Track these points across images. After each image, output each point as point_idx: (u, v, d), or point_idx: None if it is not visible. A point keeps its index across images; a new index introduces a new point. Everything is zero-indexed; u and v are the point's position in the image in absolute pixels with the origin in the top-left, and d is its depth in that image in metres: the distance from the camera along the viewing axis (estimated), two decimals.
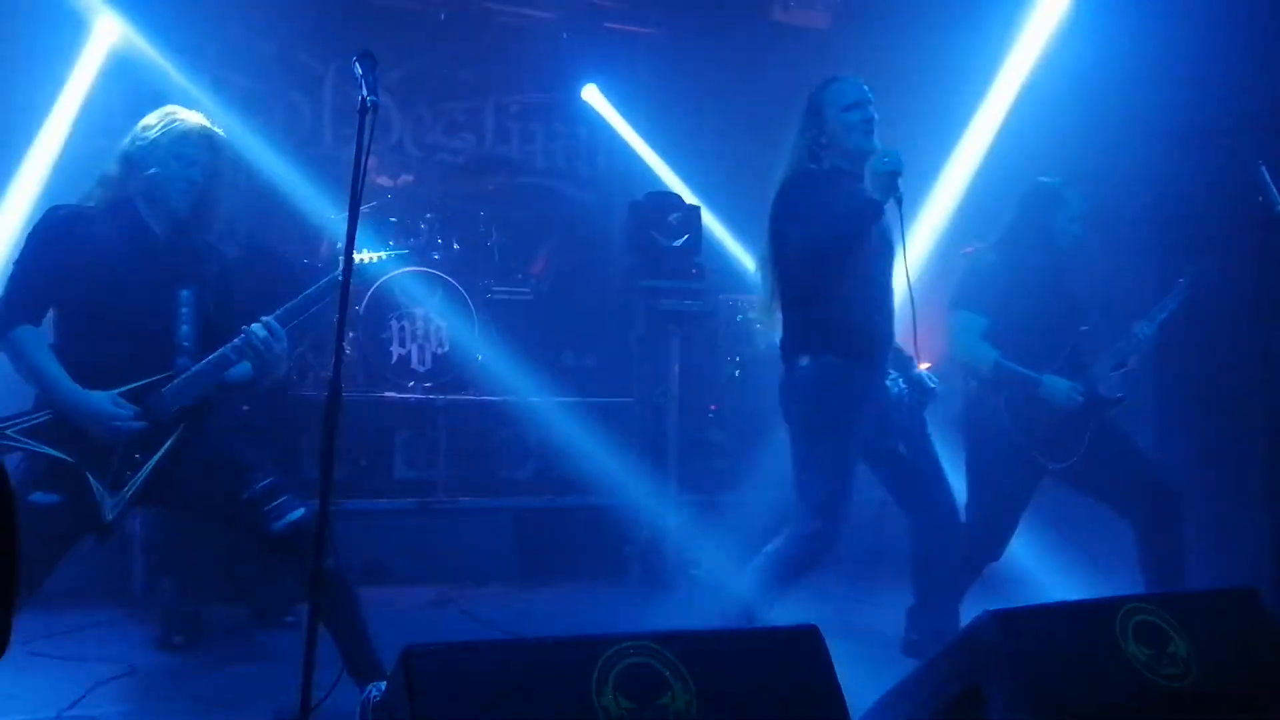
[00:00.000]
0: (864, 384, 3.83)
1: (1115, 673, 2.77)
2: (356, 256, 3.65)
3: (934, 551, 4.12)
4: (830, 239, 3.67)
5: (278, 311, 3.43)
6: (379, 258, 3.76)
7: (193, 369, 3.41)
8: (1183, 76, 5.45)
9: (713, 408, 6.95)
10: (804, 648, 2.66)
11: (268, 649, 4.44)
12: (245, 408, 4.73)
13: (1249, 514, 5.02)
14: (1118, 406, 4.51)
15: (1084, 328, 4.57)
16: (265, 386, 3.55)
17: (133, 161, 3.48)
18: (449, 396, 6.41)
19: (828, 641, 2.66)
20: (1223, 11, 5.36)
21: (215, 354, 3.42)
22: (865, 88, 3.85)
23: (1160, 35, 5.51)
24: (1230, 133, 5.24)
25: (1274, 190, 3.97)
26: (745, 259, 7.69)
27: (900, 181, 3.62)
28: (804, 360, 3.82)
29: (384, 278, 5.73)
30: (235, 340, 3.39)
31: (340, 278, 3.55)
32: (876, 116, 3.82)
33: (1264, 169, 3.92)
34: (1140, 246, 5.78)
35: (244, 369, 3.46)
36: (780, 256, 3.84)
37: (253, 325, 3.37)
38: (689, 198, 6.84)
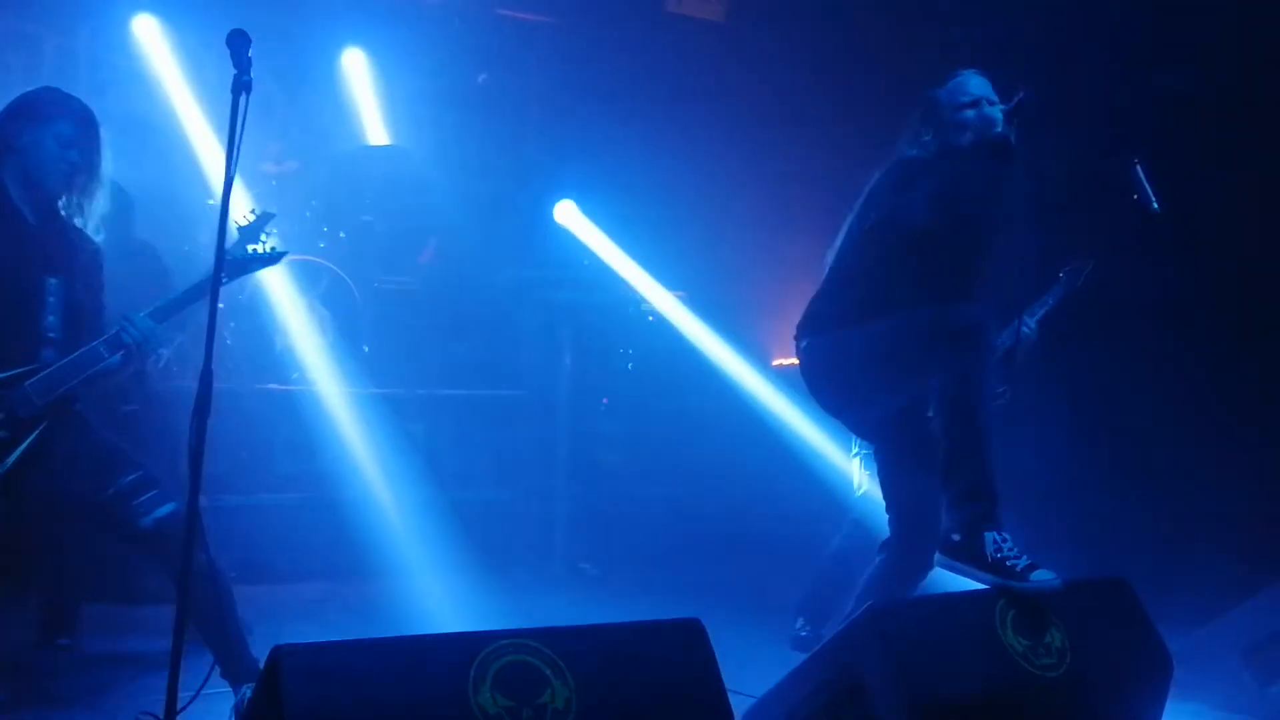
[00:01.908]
0: None
1: (993, 663, 2.81)
2: (250, 247, 3.53)
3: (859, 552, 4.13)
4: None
5: (156, 305, 3.32)
6: (261, 249, 3.61)
7: (59, 364, 3.26)
8: (1060, 63, 5.58)
9: (604, 400, 6.91)
10: (686, 641, 2.64)
11: (143, 649, 4.28)
12: (131, 407, 4.52)
13: (1121, 505, 5.19)
14: (1001, 400, 4.59)
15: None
16: (127, 374, 3.41)
17: (5, 140, 3.30)
18: (334, 388, 6.25)
19: (715, 635, 2.65)
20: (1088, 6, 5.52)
21: (85, 348, 3.28)
22: (985, 80, 3.60)
23: (1036, 20, 5.61)
24: (1106, 129, 5.38)
25: (1149, 188, 4.06)
26: (637, 251, 7.68)
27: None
28: None
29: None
30: (108, 334, 3.26)
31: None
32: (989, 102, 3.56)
33: (1139, 167, 4.01)
34: (1021, 243, 5.90)
35: (111, 360, 3.32)
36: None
37: (130, 319, 3.25)
38: (580, 187, 6.78)
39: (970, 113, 3.52)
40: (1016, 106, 3.46)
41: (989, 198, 3.49)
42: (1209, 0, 5.14)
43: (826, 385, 3.60)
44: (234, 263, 3.49)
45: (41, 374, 3.24)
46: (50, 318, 3.29)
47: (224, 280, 3.45)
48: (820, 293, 3.64)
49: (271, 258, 3.58)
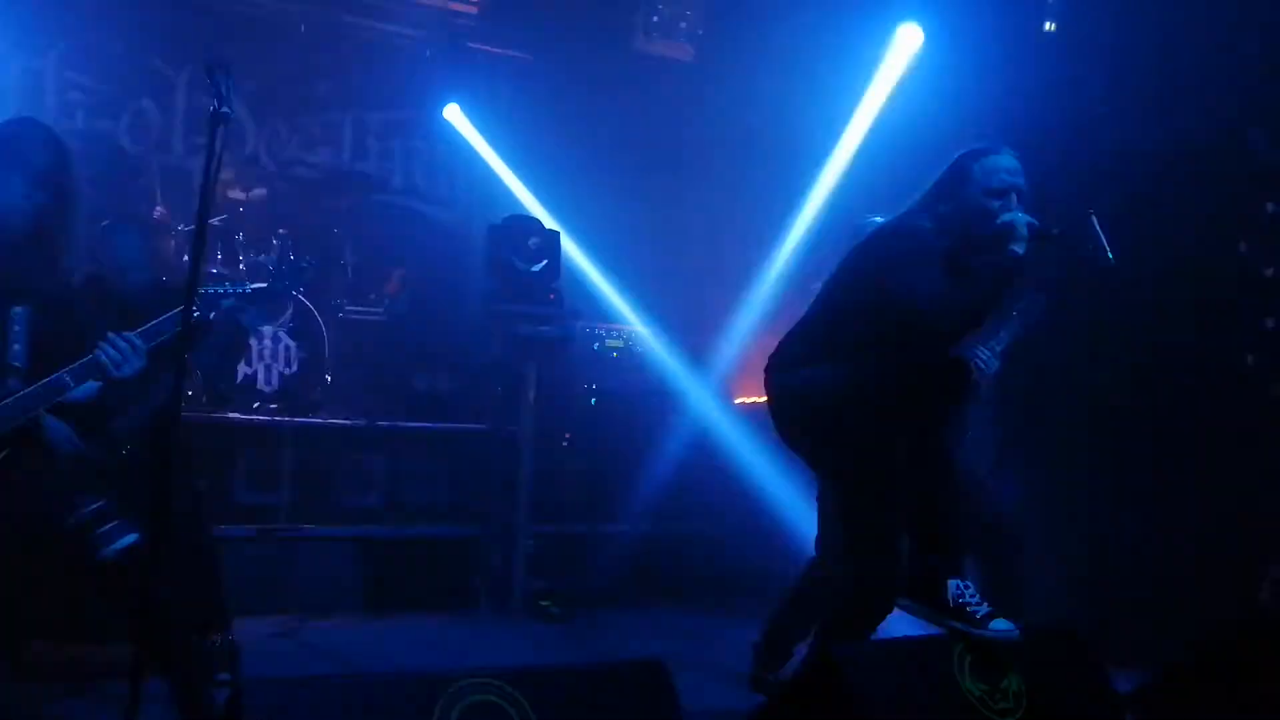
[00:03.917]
0: None
1: (951, 708, 2.84)
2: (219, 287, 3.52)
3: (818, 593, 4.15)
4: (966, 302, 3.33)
5: (147, 326, 3.23)
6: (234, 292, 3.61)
7: (19, 393, 3.18)
8: (1020, 121, 5.73)
9: (567, 436, 6.90)
10: (649, 682, 2.66)
11: (96, 685, 4.20)
12: (126, 449, 4.43)
13: (1076, 550, 5.25)
14: (963, 437, 4.63)
15: None
16: (134, 422, 3.35)
17: None
18: (295, 419, 6.20)
19: (677, 675, 2.66)
20: (1050, 63, 5.68)
21: (50, 378, 3.20)
22: (1018, 165, 3.49)
23: (1000, 82, 5.77)
24: (1061, 179, 5.52)
25: (1104, 240, 4.15)
26: (604, 286, 7.72)
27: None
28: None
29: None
30: (76, 363, 3.18)
31: (199, 308, 3.42)
32: (1019, 194, 3.47)
33: (1094, 219, 4.10)
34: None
35: (88, 389, 3.26)
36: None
37: (111, 339, 3.17)
38: (549, 223, 6.81)
39: (997, 203, 3.40)
40: (1042, 235, 3.38)
41: (987, 305, 3.43)
42: (1161, 60, 5.32)
43: (793, 423, 3.61)
44: (206, 298, 3.48)
45: (3, 403, 3.17)
46: (15, 346, 3.22)
47: (199, 313, 3.45)
48: (794, 331, 3.66)
49: (241, 293, 3.56)
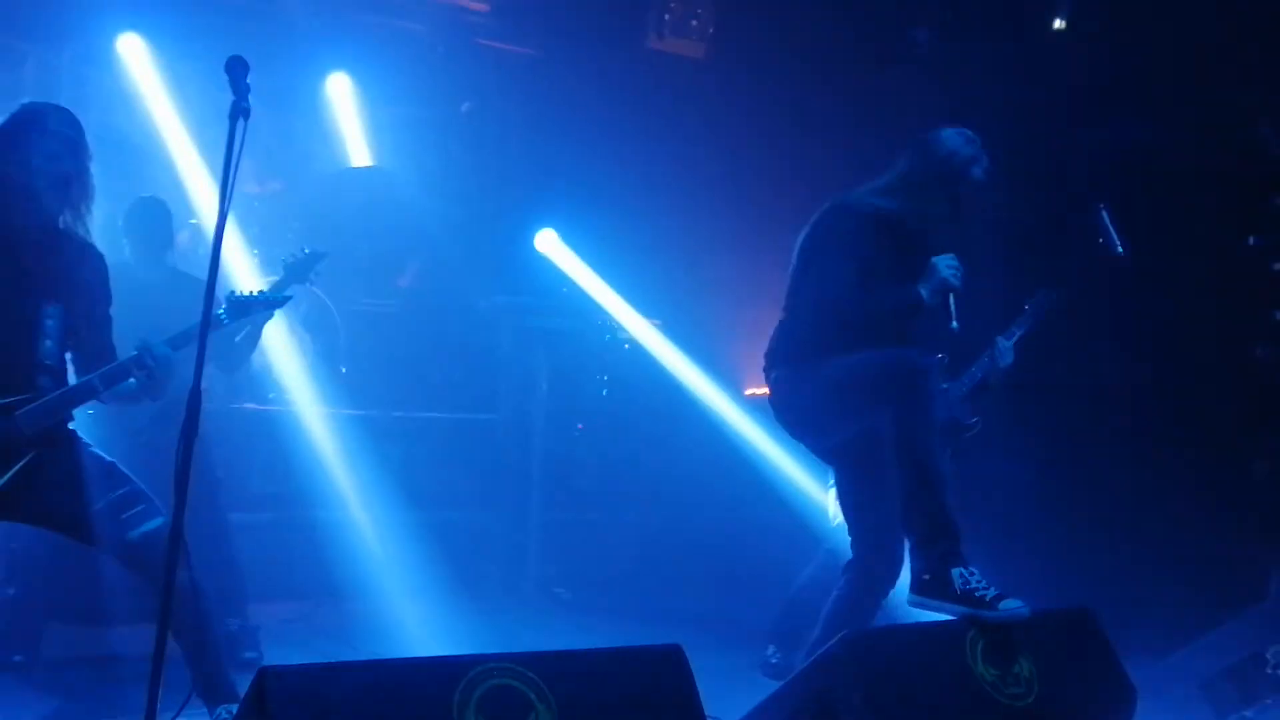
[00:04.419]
0: None
1: (964, 693, 2.88)
2: (255, 289, 3.57)
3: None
4: (853, 307, 3.51)
5: (174, 333, 3.28)
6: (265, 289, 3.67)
7: (50, 396, 3.22)
8: (1027, 117, 5.77)
9: (579, 426, 6.95)
10: (667, 667, 2.70)
11: (115, 669, 4.26)
12: (141, 438, 4.45)
13: (1086, 537, 5.29)
14: (973, 432, 4.66)
15: (941, 355, 4.72)
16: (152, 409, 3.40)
17: None
18: (310, 409, 6.25)
19: (692, 660, 2.70)
20: (1057, 57, 5.71)
21: (80, 381, 3.25)
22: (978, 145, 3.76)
23: (1011, 76, 5.81)
24: (1071, 173, 5.55)
25: (1114, 232, 4.18)
26: (616, 279, 7.76)
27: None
28: None
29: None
30: (107, 366, 3.24)
31: (223, 316, 3.47)
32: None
33: (1104, 212, 4.13)
34: (990, 279, 6.04)
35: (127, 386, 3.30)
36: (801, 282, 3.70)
37: (149, 347, 3.23)
38: (561, 216, 6.85)
39: (977, 169, 3.68)
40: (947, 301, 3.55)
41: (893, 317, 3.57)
42: (1171, 54, 5.34)
43: (789, 414, 3.75)
44: (236, 304, 3.53)
45: (33, 405, 3.20)
46: (47, 343, 3.24)
47: (227, 322, 3.51)
48: (780, 327, 3.78)
49: (274, 301, 3.61)
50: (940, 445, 3.48)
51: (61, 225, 3.35)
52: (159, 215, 4.80)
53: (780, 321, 3.79)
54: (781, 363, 3.71)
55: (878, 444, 3.49)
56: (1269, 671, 4.03)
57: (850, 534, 3.76)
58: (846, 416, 3.57)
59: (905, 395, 3.33)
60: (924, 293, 3.48)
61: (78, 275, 3.37)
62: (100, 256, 3.47)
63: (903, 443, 3.31)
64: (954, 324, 3.56)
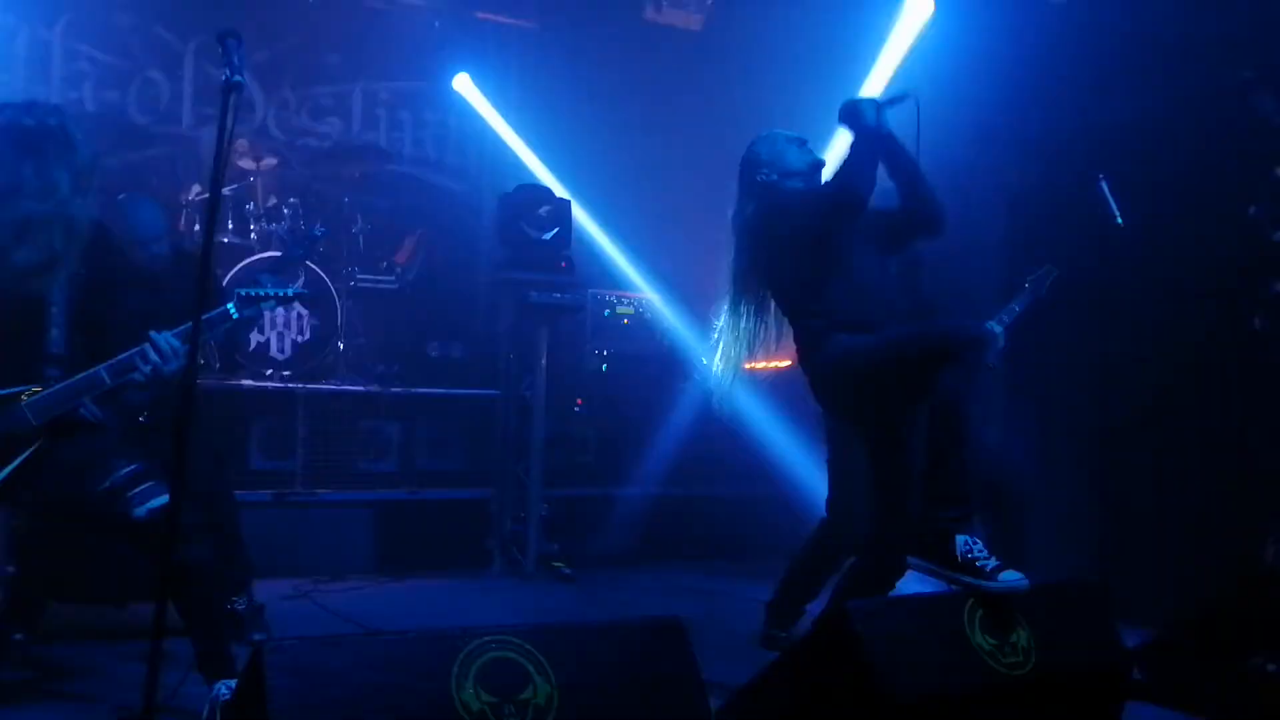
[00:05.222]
0: None
1: (962, 662, 2.88)
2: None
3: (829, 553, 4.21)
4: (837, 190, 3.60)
5: (183, 327, 3.21)
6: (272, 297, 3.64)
7: (56, 387, 3.21)
8: (1028, 90, 5.73)
9: (579, 402, 6.96)
10: (666, 640, 2.70)
11: (115, 647, 4.27)
12: (141, 419, 4.47)
13: (1083, 508, 5.30)
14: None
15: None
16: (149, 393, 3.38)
17: None
18: (309, 386, 6.26)
19: (692, 633, 2.71)
20: (1059, 30, 5.68)
21: (86, 373, 3.21)
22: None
23: (1007, 52, 5.78)
24: (1071, 145, 5.52)
25: (1113, 204, 4.17)
26: (614, 254, 7.74)
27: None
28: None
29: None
30: (116, 358, 3.21)
31: (237, 310, 3.44)
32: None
33: (1104, 183, 4.11)
34: (992, 251, 6.03)
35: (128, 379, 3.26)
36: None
37: (155, 341, 3.19)
38: (559, 191, 6.83)
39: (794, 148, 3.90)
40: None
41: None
42: (1169, 25, 5.32)
43: (832, 390, 3.70)
44: (245, 302, 3.51)
45: (39, 395, 3.19)
46: (53, 331, 3.23)
47: (237, 317, 3.48)
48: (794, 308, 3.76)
49: (284, 296, 3.59)
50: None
51: (72, 223, 3.29)
52: (148, 207, 4.80)
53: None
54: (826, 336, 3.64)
55: (913, 419, 3.50)
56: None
57: (874, 508, 3.74)
58: (906, 387, 3.49)
59: (965, 364, 3.30)
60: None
61: (82, 268, 3.32)
62: (107, 240, 3.46)
63: (947, 408, 3.28)
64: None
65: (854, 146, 3.64)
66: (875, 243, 3.73)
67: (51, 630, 4.35)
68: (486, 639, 2.47)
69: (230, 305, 3.47)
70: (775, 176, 3.83)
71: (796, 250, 3.65)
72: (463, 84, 7.91)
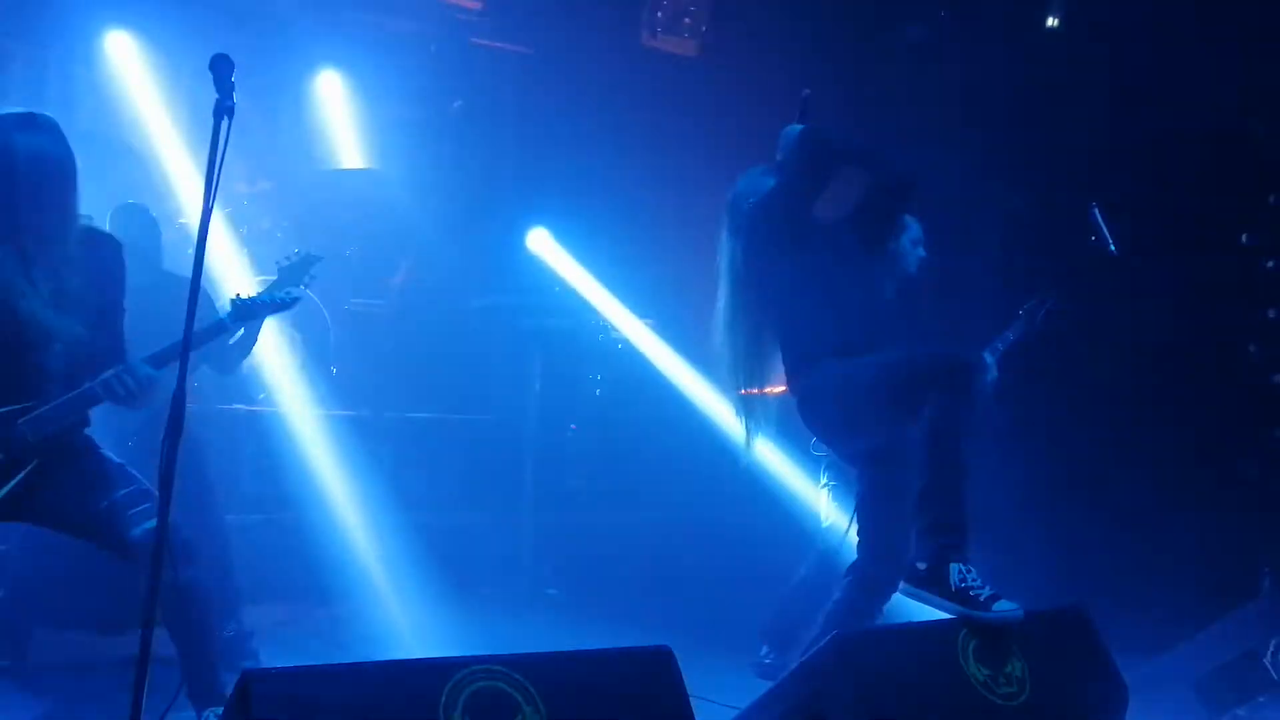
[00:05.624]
0: None
1: (955, 693, 2.86)
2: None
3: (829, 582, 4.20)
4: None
5: (156, 350, 3.25)
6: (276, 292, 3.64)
7: (53, 404, 3.21)
8: (1023, 113, 5.76)
9: (572, 426, 6.94)
10: (657, 668, 2.67)
11: (102, 674, 4.23)
12: (130, 443, 4.45)
13: (1078, 534, 5.28)
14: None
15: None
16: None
17: None
18: (300, 410, 6.22)
19: (682, 661, 2.68)
20: (1054, 58, 5.73)
21: (81, 389, 3.22)
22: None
23: (1004, 75, 5.81)
24: (1070, 172, 5.54)
25: (1106, 231, 4.18)
26: (609, 279, 7.73)
27: None
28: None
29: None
30: (105, 374, 3.21)
31: (228, 321, 3.44)
32: None
33: (1096, 211, 4.13)
34: (989, 277, 6.04)
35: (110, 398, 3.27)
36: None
37: (129, 369, 3.20)
38: (553, 215, 6.83)
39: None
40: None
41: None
42: (1162, 52, 5.35)
43: (820, 415, 3.68)
44: (244, 307, 3.50)
45: (36, 413, 3.19)
46: (55, 346, 3.21)
47: (231, 325, 3.48)
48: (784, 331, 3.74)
49: (281, 303, 3.59)
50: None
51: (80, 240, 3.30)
52: (143, 221, 4.79)
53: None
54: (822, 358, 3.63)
55: (904, 445, 3.48)
56: (1264, 664, 4.02)
57: (859, 536, 3.73)
58: (893, 411, 3.49)
59: (955, 389, 3.29)
60: None
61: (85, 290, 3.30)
62: (110, 254, 3.41)
63: (941, 434, 3.26)
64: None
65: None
66: (854, 260, 3.71)
67: (38, 657, 4.32)
68: (475, 668, 2.45)
69: (227, 315, 3.47)
70: (755, 199, 3.83)
71: (778, 270, 3.66)
72: (457, 110, 7.92)
